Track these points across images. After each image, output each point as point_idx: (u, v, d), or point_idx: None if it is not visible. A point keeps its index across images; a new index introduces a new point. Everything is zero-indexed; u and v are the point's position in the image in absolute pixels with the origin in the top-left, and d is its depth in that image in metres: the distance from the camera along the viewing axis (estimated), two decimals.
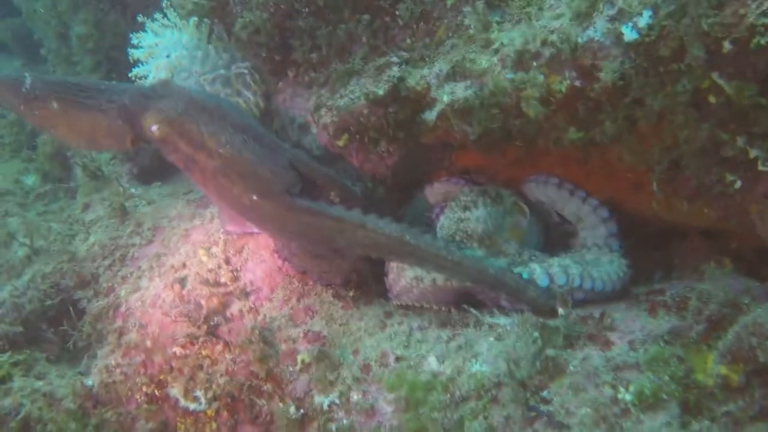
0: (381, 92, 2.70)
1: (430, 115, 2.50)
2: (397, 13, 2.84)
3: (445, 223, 2.81)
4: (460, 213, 2.78)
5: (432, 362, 2.45)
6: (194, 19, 3.32)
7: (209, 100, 2.66)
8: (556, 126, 2.39)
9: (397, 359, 2.50)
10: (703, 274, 2.48)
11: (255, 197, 2.61)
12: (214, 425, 2.70)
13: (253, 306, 2.80)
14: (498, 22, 2.56)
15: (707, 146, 2.21)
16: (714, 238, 2.62)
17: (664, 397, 2.13)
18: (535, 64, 2.35)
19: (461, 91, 2.53)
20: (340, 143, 2.85)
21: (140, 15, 3.58)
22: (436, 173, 3.20)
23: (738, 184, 2.22)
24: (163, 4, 3.52)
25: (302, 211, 2.63)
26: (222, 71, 3.38)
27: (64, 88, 2.62)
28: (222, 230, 3.08)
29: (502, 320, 2.49)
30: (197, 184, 2.76)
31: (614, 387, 2.16)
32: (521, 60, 2.38)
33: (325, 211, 2.63)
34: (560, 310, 2.28)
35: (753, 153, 2.15)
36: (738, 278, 2.37)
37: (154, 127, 2.54)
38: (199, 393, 2.69)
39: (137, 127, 2.58)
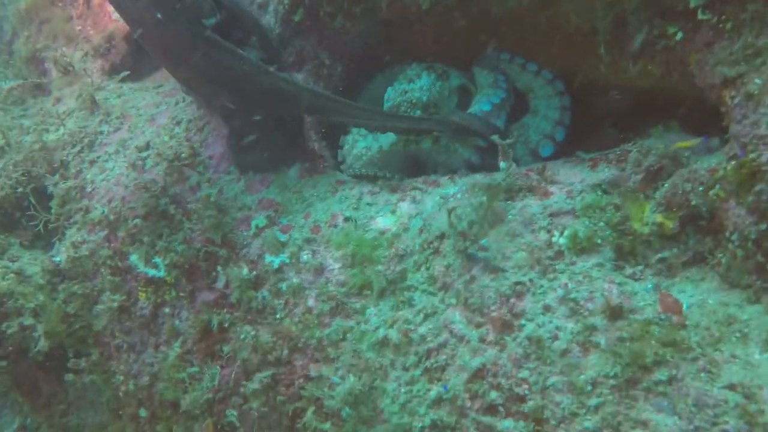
0: None
1: None
2: None
3: (390, 94, 2.81)
4: (405, 85, 2.79)
5: (379, 221, 2.50)
6: None
7: None
8: None
9: (346, 220, 2.55)
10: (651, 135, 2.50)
11: (159, 15, 2.29)
12: (173, 292, 2.77)
13: (211, 178, 2.84)
14: None
15: None
16: (663, 107, 2.62)
17: (599, 241, 2.17)
18: None
19: None
20: (296, 18, 2.85)
21: None
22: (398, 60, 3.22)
23: (679, 35, 2.23)
24: None
25: (208, 44, 2.39)
26: None
27: None
28: (185, 110, 3.11)
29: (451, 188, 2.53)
30: None
31: (549, 232, 2.20)
32: None
33: (237, 51, 2.45)
34: (501, 164, 2.31)
35: (693, 2, 2.15)
36: (681, 134, 2.39)
37: None
38: (158, 260, 2.76)
39: None
